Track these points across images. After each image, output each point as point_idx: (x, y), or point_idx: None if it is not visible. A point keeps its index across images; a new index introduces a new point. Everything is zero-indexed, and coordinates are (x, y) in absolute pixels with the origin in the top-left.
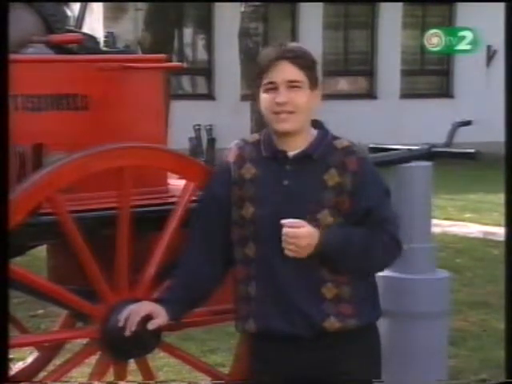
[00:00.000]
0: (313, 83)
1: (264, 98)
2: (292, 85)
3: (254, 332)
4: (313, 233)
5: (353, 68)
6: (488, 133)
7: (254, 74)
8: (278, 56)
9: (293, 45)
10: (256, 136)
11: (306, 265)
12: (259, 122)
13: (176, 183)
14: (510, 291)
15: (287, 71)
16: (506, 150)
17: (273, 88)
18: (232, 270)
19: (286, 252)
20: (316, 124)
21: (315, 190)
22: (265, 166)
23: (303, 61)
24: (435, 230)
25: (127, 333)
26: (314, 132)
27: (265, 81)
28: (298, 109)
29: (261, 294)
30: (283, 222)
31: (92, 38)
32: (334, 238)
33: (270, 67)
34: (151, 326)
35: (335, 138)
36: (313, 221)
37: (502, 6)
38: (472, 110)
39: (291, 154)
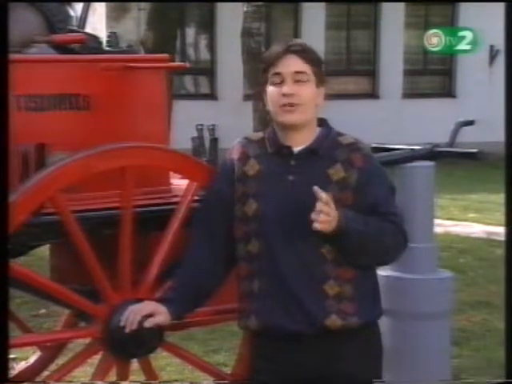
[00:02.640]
0: (318, 80)
1: (271, 90)
2: (298, 78)
3: (255, 329)
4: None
5: (355, 68)
6: (490, 132)
7: (260, 71)
8: (285, 50)
9: (299, 41)
10: (260, 134)
11: (309, 261)
12: (262, 121)
13: (179, 183)
14: (510, 291)
15: (294, 63)
16: (507, 149)
17: (279, 82)
18: (235, 268)
19: (315, 225)
20: (320, 122)
21: (319, 184)
22: (269, 162)
23: (310, 55)
24: (438, 229)
25: (127, 331)
26: (318, 129)
27: (271, 73)
28: (304, 102)
29: (263, 290)
30: (315, 187)
31: (95, 38)
32: (351, 216)
33: (276, 60)
34: (148, 323)
35: (340, 134)
36: (317, 215)
37: (503, 5)
38: (474, 110)
39: (296, 149)
